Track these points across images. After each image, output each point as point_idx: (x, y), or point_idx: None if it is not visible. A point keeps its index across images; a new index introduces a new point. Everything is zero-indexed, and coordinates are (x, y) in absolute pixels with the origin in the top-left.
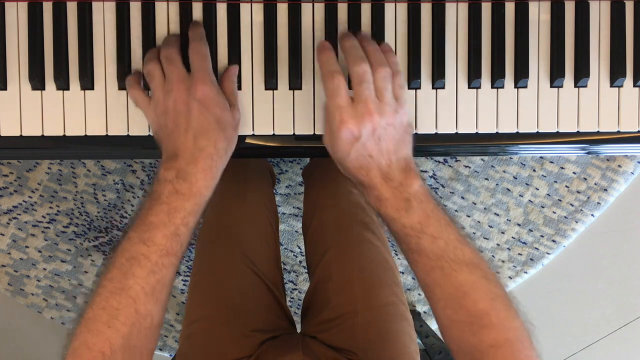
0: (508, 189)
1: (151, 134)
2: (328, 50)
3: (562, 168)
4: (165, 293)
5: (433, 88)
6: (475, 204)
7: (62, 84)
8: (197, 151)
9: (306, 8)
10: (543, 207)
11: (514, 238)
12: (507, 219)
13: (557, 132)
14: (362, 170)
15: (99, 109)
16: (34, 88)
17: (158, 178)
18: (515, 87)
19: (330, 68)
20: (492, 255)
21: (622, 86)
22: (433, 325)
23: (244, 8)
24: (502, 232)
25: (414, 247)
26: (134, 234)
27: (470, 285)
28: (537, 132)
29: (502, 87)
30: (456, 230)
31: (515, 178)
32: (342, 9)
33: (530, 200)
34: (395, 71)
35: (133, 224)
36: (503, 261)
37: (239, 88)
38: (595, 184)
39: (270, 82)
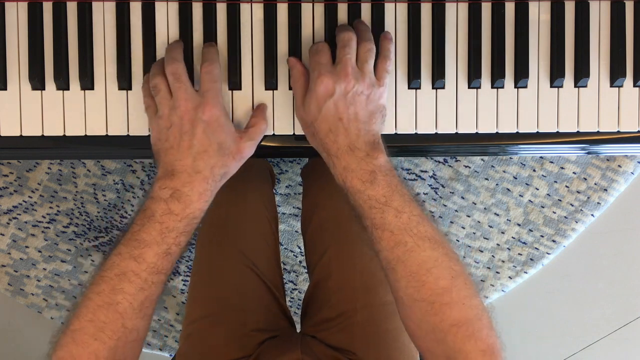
0: (508, 189)
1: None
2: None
3: (562, 168)
4: (152, 308)
5: (433, 88)
6: (475, 204)
7: (62, 84)
8: (194, 173)
9: (306, 8)
10: (543, 207)
11: (514, 238)
12: (507, 219)
13: (557, 132)
14: (330, 134)
15: (99, 109)
16: (34, 88)
17: (152, 195)
18: (515, 87)
19: (318, 43)
20: (492, 255)
21: (622, 86)
22: None
23: (244, 8)
24: (502, 232)
25: (379, 221)
26: (125, 249)
27: (433, 262)
28: (537, 132)
29: (502, 87)
30: (419, 206)
31: (515, 178)
32: (342, 9)
33: (530, 200)
34: (386, 56)
35: (124, 238)
36: (503, 261)
37: (239, 88)
38: (595, 184)
39: (270, 82)
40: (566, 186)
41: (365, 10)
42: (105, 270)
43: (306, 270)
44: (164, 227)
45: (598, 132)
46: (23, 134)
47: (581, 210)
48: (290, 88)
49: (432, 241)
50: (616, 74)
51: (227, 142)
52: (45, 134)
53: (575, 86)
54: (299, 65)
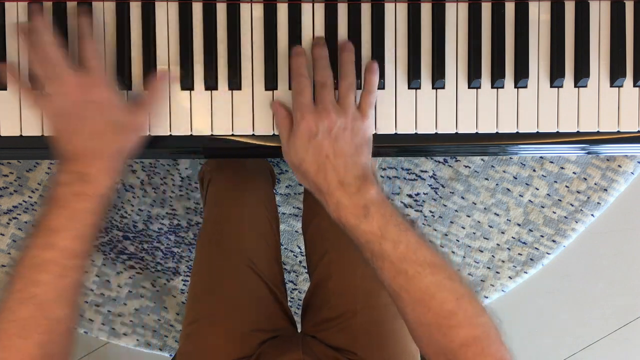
0: (508, 189)
1: (151, 134)
2: (300, 56)
3: (562, 168)
4: (76, 295)
5: (433, 88)
6: (475, 204)
7: None
8: (93, 153)
9: (306, 8)
10: (543, 207)
11: (514, 238)
12: (507, 219)
13: (557, 132)
14: (320, 173)
15: None
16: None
17: (56, 182)
18: (515, 87)
19: (299, 71)
20: (492, 255)
21: (622, 86)
22: None
23: (244, 8)
24: (502, 232)
25: (377, 253)
26: (37, 240)
27: (436, 287)
28: (537, 132)
29: (502, 87)
30: (415, 233)
31: (515, 178)
32: (342, 9)
33: (530, 200)
34: (369, 90)
35: (33, 230)
36: (503, 261)
37: (239, 88)
38: (595, 184)
39: (270, 82)
40: (566, 186)
41: (365, 10)
42: (20, 266)
43: (306, 270)
44: (71, 210)
45: (598, 132)
46: (23, 134)
47: (581, 210)
48: (290, 88)
49: (432, 266)
50: (616, 74)
51: (121, 119)
52: (45, 134)
53: (575, 86)
54: (282, 110)
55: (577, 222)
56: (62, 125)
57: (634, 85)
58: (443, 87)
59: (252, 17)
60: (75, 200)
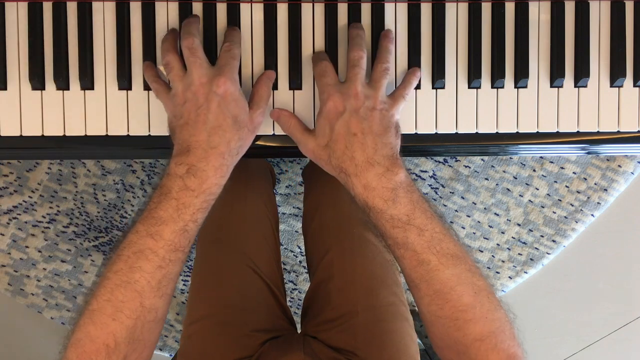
0: (508, 189)
1: (151, 134)
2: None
3: (562, 168)
4: (170, 287)
5: (433, 88)
6: (475, 204)
7: (62, 84)
8: (209, 148)
9: (306, 8)
10: (543, 207)
11: (514, 238)
12: (507, 219)
13: (557, 132)
14: (347, 152)
15: (99, 109)
16: (34, 88)
17: (168, 172)
18: (515, 87)
19: (320, 56)
20: (492, 255)
21: (622, 86)
22: None
23: (244, 8)
24: (502, 232)
25: (401, 240)
26: (142, 227)
27: (456, 280)
28: (537, 132)
29: (502, 87)
30: (440, 221)
31: (515, 178)
32: (342, 9)
33: (530, 200)
34: (406, 86)
35: (141, 217)
36: (503, 261)
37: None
38: (595, 184)
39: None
40: (566, 186)
41: (365, 10)
42: (122, 249)
43: (306, 270)
44: (180, 203)
45: (598, 132)
46: (23, 134)
47: (581, 210)
48: (290, 88)
49: (455, 258)
50: (616, 74)
51: (241, 116)
52: (45, 134)
53: (575, 86)
54: (284, 111)
55: (577, 222)
56: (182, 114)
57: (634, 85)
58: (443, 87)
59: (252, 17)
60: (185, 195)
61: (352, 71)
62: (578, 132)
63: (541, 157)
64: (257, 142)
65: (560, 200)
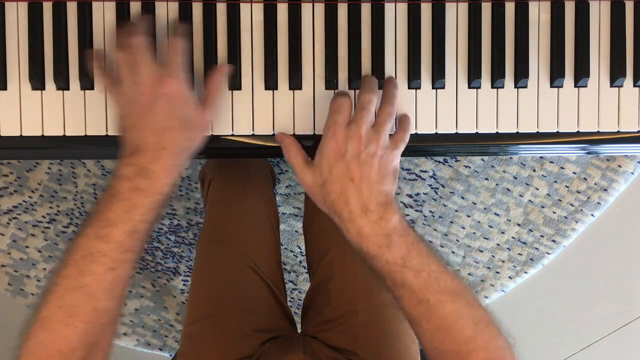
0: (508, 189)
1: None
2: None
3: (562, 168)
4: (123, 289)
5: (433, 88)
6: (475, 204)
7: (62, 83)
8: (159, 149)
9: (306, 8)
10: (543, 207)
11: (514, 238)
12: (507, 219)
13: (557, 132)
14: (342, 196)
15: (99, 109)
16: (34, 88)
17: (118, 174)
18: (515, 87)
19: (343, 93)
20: (492, 255)
21: (622, 86)
22: None
23: (244, 8)
24: (502, 232)
25: (399, 282)
26: (91, 230)
27: (456, 315)
28: (537, 132)
29: (502, 87)
30: (437, 259)
31: (515, 178)
32: (342, 9)
33: (530, 200)
34: (405, 128)
35: (89, 220)
36: (503, 261)
37: (239, 88)
38: (595, 184)
39: (270, 82)
40: (566, 186)
41: (365, 10)
42: (71, 254)
43: (306, 270)
44: (129, 204)
45: (598, 132)
46: (23, 134)
47: (581, 210)
48: (290, 88)
49: (453, 293)
50: (616, 74)
51: (191, 116)
52: (45, 134)
53: (575, 86)
54: (288, 137)
55: (577, 222)
56: (131, 115)
57: (634, 85)
58: (443, 87)
59: (252, 17)
60: (135, 196)
61: (359, 113)
62: (578, 132)
63: (541, 157)
64: (257, 142)
65: (560, 200)
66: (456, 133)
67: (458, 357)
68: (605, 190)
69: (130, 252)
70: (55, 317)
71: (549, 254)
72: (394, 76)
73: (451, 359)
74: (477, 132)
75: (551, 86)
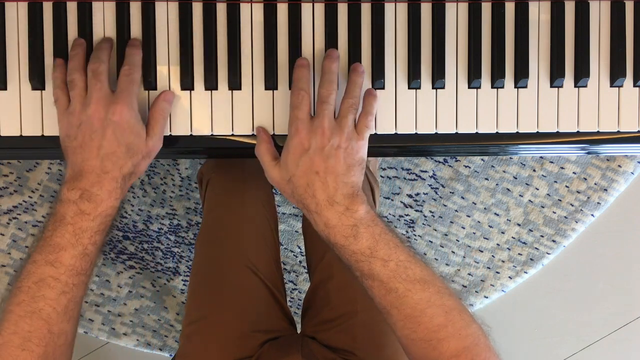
0: (508, 189)
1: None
2: (302, 68)
3: (562, 168)
4: (77, 310)
5: (433, 88)
6: (475, 204)
7: None
8: (102, 173)
9: (306, 8)
10: (543, 207)
11: (514, 238)
12: (507, 219)
13: (557, 132)
14: (308, 189)
15: None
16: (34, 88)
17: (61, 198)
18: (515, 87)
19: (299, 85)
20: (492, 255)
21: (622, 86)
22: None
23: (244, 8)
24: (502, 232)
25: (367, 272)
26: (40, 257)
27: (425, 303)
28: (537, 132)
29: (502, 87)
30: (405, 249)
31: (515, 178)
32: (342, 9)
33: (530, 200)
34: (368, 111)
35: (37, 246)
36: (503, 261)
37: (239, 88)
38: (595, 184)
39: (270, 82)
40: (566, 186)
41: (365, 10)
42: (22, 281)
43: (306, 270)
44: (76, 228)
45: (598, 132)
46: (23, 134)
47: (581, 210)
48: (290, 88)
49: (422, 282)
50: (616, 74)
51: (135, 143)
52: (45, 134)
53: (575, 86)
54: (263, 134)
55: (577, 222)
56: (77, 136)
57: (634, 85)
58: (443, 87)
59: (252, 17)
60: (80, 219)
61: (320, 107)
62: (578, 132)
63: (541, 157)
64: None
65: (560, 200)
66: (456, 133)
67: (430, 345)
68: (605, 190)
69: (82, 275)
70: (12, 344)
71: (549, 254)
72: (360, 63)
73: (424, 348)
74: (477, 132)
75: (551, 86)
